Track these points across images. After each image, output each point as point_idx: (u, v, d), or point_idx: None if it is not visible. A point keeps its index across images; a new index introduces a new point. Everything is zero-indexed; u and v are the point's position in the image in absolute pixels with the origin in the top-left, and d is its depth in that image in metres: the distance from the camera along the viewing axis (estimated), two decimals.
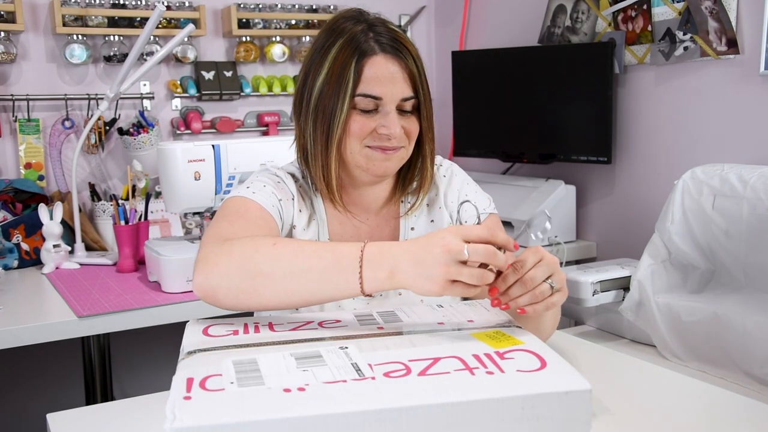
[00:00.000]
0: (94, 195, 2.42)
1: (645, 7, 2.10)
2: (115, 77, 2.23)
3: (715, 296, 1.46)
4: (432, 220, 1.30)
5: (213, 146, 1.89)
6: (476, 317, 1.05)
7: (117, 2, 2.46)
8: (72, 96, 2.42)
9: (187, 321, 1.05)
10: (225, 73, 2.65)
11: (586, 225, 2.42)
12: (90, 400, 2.04)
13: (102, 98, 2.27)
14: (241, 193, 1.18)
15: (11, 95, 2.33)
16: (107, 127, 2.47)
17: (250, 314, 1.30)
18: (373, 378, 0.82)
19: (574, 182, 2.38)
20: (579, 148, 2.27)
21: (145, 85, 2.55)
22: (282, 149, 1.85)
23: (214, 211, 1.84)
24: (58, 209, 2.10)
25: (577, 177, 2.41)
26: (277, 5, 2.69)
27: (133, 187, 2.22)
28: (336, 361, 0.87)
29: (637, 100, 2.20)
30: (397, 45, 1.15)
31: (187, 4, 2.56)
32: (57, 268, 2.08)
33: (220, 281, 1.00)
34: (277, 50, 2.70)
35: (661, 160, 2.14)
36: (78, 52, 2.39)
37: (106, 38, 2.45)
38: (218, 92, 2.62)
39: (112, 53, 2.44)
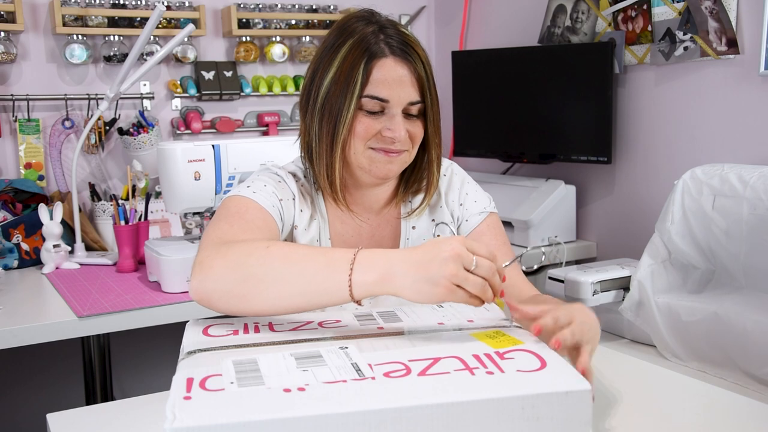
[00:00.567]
0: (94, 195, 2.42)
1: (645, 7, 2.10)
2: (115, 77, 2.23)
3: (715, 296, 1.46)
4: (433, 219, 1.30)
5: (213, 146, 1.89)
6: (476, 317, 1.05)
7: (117, 2, 2.46)
8: (72, 96, 2.42)
9: (187, 321, 1.05)
10: (225, 73, 2.65)
11: (586, 225, 2.42)
12: (90, 400, 2.04)
13: (102, 98, 2.27)
14: (242, 193, 1.18)
15: (11, 95, 2.33)
16: (107, 127, 2.47)
17: None
18: (373, 378, 0.82)
19: (574, 182, 2.38)
20: (579, 148, 2.27)
21: (145, 85, 2.55)
22: (282, 149, 1.85)
23: (214, 211, 1.84)
24: (58, 209, 2.10)
25: (577, 177, 2.41)
26: (277, 5, 2.69)
27: (133, 187, 2.22)
28: (336, 361, 0.87)
29: (637, 100, 2.20)
30: (406, 48, 1.15)
31: (187, 4, 2.56)
32: (57, 268, 2.08)
33: (215, 285, 1.00)
34: (277, 50, 2.70)
35: (661, 160, 2.14)
36: (78, 52, 2.39)
37: (106, 38, 2.45)
38: (218, 92, 2.62)
39: (112, 53, 2.44)
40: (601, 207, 2.37)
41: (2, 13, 2.29)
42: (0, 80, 2.36)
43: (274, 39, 2.70)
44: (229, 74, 2.65)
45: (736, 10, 1.87)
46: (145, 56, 2.48)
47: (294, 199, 1.22)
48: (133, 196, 2.19)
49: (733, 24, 1.88)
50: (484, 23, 2.79)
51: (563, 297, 1.67)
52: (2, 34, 2.30)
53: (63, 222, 2.12)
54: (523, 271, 1.38)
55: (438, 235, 1.29)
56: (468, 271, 0.90)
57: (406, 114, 1.16)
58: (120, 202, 2.14)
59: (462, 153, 2.65)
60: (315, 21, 2.74)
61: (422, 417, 0.77)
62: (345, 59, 1.14)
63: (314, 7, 2.75)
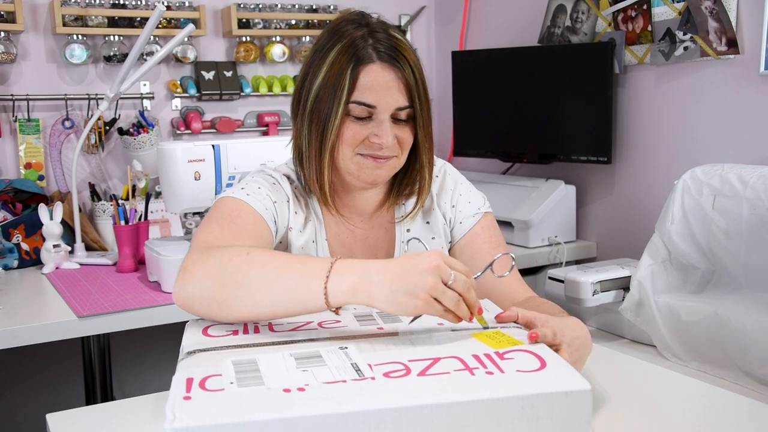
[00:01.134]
0: (94, 195, 2.42)
1: (645, 7, 2.10)
2: (115, 77, 2.23)
3: (715, 296, 1.46)
4: (428, 222, 1.29)
5: (213, 146, 1.89)
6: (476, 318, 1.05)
7: (117, 2, 2.46)
8: (72, 96, 2.42)
9: (187, 321, 1.05)
10: (225, 73, 2.65)
11: (586, 225, 2.42)
12: (90, 400, 2.04)
13: (102, 98, 2.27)
14: (236, 195, 1.18)
15: (11, 95, 2.33)
16: (107, 127, 2.47)
17: None
18: (373, 378, 0.82)
19: (574, 182, 2.38)
20: (579, 148, 2.27)
21: (145, 85, 2.55)
22: (282, 149, 1.85)
23: None
24: (58, 209, 2.10)
25: (577, 177, 2.41)
26: (277, 5, 2.69)
27: (133, 187, 2.22)
28: (336, 361, 0.87)
29: (637, 100, 2.20)
30: (394, 54, 1.13)
31: (187, 4, 2.56)
32: (57, 268, 2.08)
33: (195, 290, 1.01)
34: (277, 50, 2.70)
35: (661, 160, 2.14)
36: (78, 52, 2.39)
37: (106, 38, 2.45)
38: (218, 92, 2.62)
39: (112, 53, 2.44)
40: (601, 207, 2.37)
41: (2, 13, 2.29)
42: (0, 80, 2.36)
43: (274, 39, 2.70)
44: (229, 74, 2.65)
45: (736, 10, 1.87)
46: (145, 56, 2.48)
47: (288, 201, 1.22)
48: (133, 196, 2.19)
49: (733, 24, 1.88)
50: (484, 23, 2.79)
51: (563, 297, 1.67)
52: (2, 34, 2.30)
53: (63, 222, 2.12)
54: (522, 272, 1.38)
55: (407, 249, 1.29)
56: (446, 285, 0.90)
57: (396, 119, 1.15)
58: (120, 202, 2.14)
59: (462, 153, 2.65)
60: (315, 21, 2.74)
61: (422, 417, 0.77)
62: (333, 64, 1.13)
63: (314, 7, 2.75)
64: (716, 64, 1.96)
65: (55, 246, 2.07)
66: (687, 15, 1.98)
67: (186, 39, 2.49)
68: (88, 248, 2.24)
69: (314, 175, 1.18)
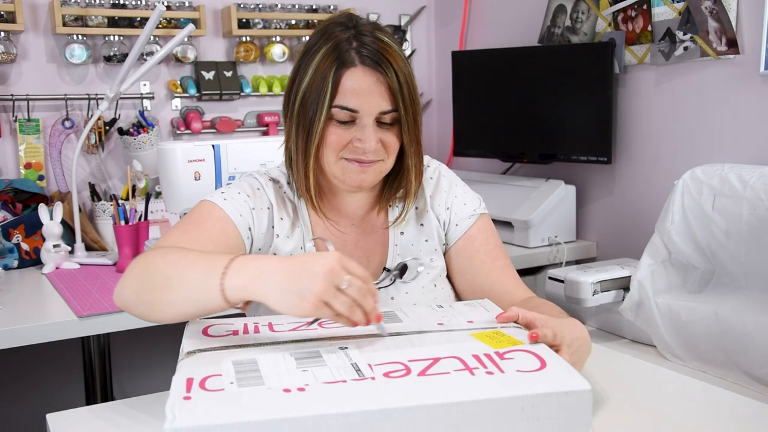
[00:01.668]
0: (94, 195, 2.42)
1: (645, 7, 2.10)
2: (115, 77, 2.23)
3: (715, 296, 1.46)
4: (421, 224, 1.28)
5: (213, 146, 1.89)
6: (476, 318, 1.05)
7: (117, 2, 2.46)
8: (72, 96, 2.42)
9: (187, 321, 1.05)
10: (225, 73, 2.65)
11: (586, 225, 2.42)
12: (90, 400, 2.04)
13: (102, 98, 2.27)
14: (214, 199, 1.19)
15: (11, 95, 2.33)
16: (107, 127, 2.47)
17: None
18: (373, 378, 0.82)
19: (574, 182, 2.38)
20: (579, 148, 2.27)
21: (145, 85, 2.55)
22: (282, 149, 1.85)
23: None
24: (58, 209, 2.10)
25: (577, 177, 2.41)
26: (277, 5, 2.69)
27: (133, 187, 2.22)
28: (336, 361, 0.87)
29: (637, 100, 2.20)
30: (377, 57, 1.12)
31: (187, 4, 2.56)
32: (57, 268, 2.08)
33: (127, 292, 1.03)
34: (277, 50, 2.70)
35: (661, 160, 2.14)
36: (78, 52, 2.39)
37: (106, 38, 2.45)
38: (218, 92, 2.62)
39: (112, 53, 2.44)
40: (601, 207, 2.37)
41: (2, 13, 2.29)
42: (0, 80, 2.36)
43: (274, 39, 2.70)
44: (229, 74, 2.65)
45: (736, 10, 1.87)
46: (145, 56, 2.48)
47: (270, 208, 1.22)
48: (133, 196, 2.19)
49: (733, 24, 1.88)
50: (484, 23, 2.79)
51: (563, 297, 1.67)
52: (2, 34, 2.30)
53: (63, 222, 2.12)
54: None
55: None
56: (339, 290, 0.88)
57: (380, 123, 1.15)
58: (120, 202, 2.14)
59: (462, 153, 2.65)
60: (315, 21, 2.74)
61: (422, 417, 0.77)
62: (318, 67, 1.13)
63: (314, 7, 2.75)
64: (716, 64, 1.96)
65: (55, 246, 2.07)
66: (687, 15, 1.98)
67: (186, 39, 2.49)
68: (88, 248, 2.24)
69: (301, 177, 1.19)
